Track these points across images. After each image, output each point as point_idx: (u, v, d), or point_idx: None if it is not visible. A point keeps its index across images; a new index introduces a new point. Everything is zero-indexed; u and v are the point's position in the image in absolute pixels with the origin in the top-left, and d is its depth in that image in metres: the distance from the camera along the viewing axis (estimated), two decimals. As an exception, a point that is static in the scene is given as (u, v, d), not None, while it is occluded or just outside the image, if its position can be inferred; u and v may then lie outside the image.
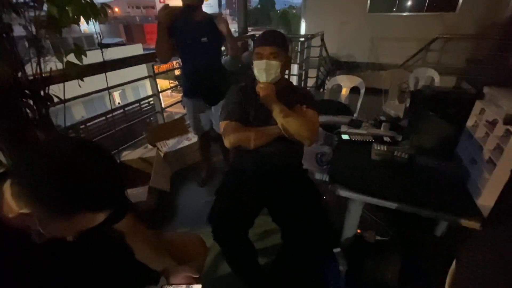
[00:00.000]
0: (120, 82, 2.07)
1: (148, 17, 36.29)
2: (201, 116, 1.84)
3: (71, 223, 0.48)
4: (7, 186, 0.50)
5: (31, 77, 1.20)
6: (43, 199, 0.44)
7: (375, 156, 1.19)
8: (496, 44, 4.22)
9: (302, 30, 5.74)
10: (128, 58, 1.95)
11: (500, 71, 3.63)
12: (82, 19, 1.15)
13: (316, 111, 1.15)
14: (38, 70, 1.21)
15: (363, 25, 5.13)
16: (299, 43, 3.89)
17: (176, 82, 3.26)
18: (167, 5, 1.49)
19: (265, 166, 1.18)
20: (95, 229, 0.58)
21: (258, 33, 1.23)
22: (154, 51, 2.03)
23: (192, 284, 0.78)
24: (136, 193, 1.70)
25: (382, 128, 1.46)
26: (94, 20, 1.18)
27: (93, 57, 1.40)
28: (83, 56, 1.23)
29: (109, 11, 1.19)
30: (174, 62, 2.71)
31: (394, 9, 5.06)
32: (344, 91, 2.60)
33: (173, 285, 0.79)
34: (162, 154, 2.15)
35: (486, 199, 0.83)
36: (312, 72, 4.49)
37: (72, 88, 1.41)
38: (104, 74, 1.60)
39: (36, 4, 1.11)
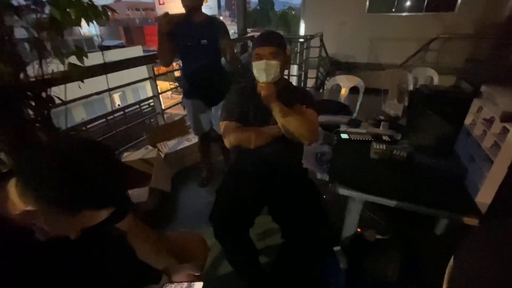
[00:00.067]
0: (120, 84, 2.08)
1: (148, 19, 36.40)
2: (201, 116, 1.85)
3: (75, 220, 0.49)
4: (11, 185, 0.51)
5: (33, 79, 1.21)
6: (48, 196, 0.45)
7: (374, 154, 1.20)
8: (495, 43, 4.23)
9: (302, 31, 5.76)
10: (129, 59, 1.97)
11: (499, 71, 3.64)
12: (82, 21, 1.17)
13: (315, 111, 1.16)
14: (40, 72, 1.23)
15: (362, 25, 5.15)
16: (298, 44, 3.90)
17: (176, 84, 3.27)
18: (167, 13, 1.50)
19: (265, 165, 1.19)
20: (97, 227, 0.59)
21: (257, 34, 1.24)
22: (154, 52, 2.05)
23: (193, 282, 0.79)
24: (137, 194, 1.71)
25: (381, 127, 1.47)
26: (95, 22, 1.20)
27: (93, 59, 1.41)
28: (84, 58, 1.24)
29: (112, 14, 1.20)
30: (174, 64, 2.72)
31: (393, 9, 5.08)
32: (344, 91, 2.62)
33: (175, 283, 0.79)
34: (162, 155, 2.16)
35: (484, 196, 0.84)
36: (312, 73, 4.51)
37: (73, 90, 1.42)
38: (103, 76, 1.61)
39: (38, 7, 1.12)
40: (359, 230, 1.33)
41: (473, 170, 0.96)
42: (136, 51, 13.08)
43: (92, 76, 1.55)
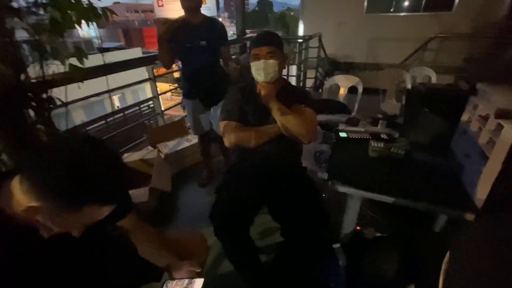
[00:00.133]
0: (119, 86, 2.10)
1: (147, 21, 36.45)
2: (201, 117, 1.87)
3: (78, 216, 0.50)
4: (15, 183, 0.52)
5: (34, 80, 1.22)
6: (52, 191, 0.46)
7: (372, 152, 1.21)
8: (492, 42, 4.25)
9: (301, 32, 5.79)
10: (129, 60, 1.99)
11: (497, 69, 3.66)
12: (82, 23, 1.18)
13: (314, 110, 1.18)
14: (41, 73, 1.24)
15: (360, 25, 5.18)
16: (297, 44, 3.93)
17: (176, 85, 3.29)
18: (166, 19, 1.51)
19: (264, 164, 1.20)
20: (99, 226, 0.60)
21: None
22: (153, 54, 2.06)
23: (194, 278, 0.80)
24: (138, 194, 1.71)
25: (379, 126, 1.48)
26: (94, 24, 1.21)
27: (92, 61, 1.43)
28: (84, 59, 1.26)
29: (111, 16, 1.22)
30: (174, 65, 2.74)
31: (392, 9, 5.11)
32: (342, 91, 2.63)
33: (176, 280, 0.81)
34: (162, 156, 2.17)
35: (480, 192, 0.85)
36: (311, 73, 4.53)
37: (72, 92, 1.43)
38: (103, 79, 1.63)
39: (38, 9, 1.13)
40: (358, 228, 1.34)
41: (469, 167, 0.97)
42: (135, 53, 13.09)
43: (93, 77, 1.57)
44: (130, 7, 40.81)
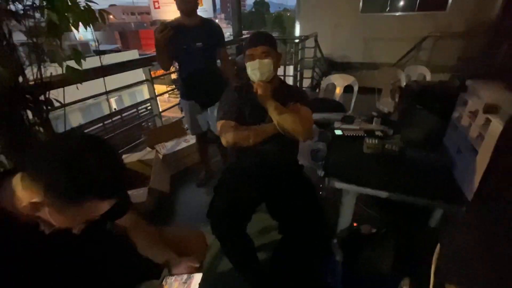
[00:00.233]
0: (116, 88, 2.11)
1: (143, 23, 36.42)
2: (198, 117, 1.88)
3: (79, 211, 0.52)
4: (16, 180, 0.53)
5: (32, 82, 1.23)
6: (53, 186, 0.48)
7: (367, 149, 1.23)
8: (486, 41, 4.31)
9: (297, 32, 5.82)
10: (127, 62, 2.00)
11: (490, 68, 3.71)
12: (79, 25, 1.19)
13: (309, 108, 1.20)
14: (38, 75, 1.25)
15: (356, 25, 5.22)
16: (294, 44, 3.96)
17: (173, 86, 3.30)
18: (163, 26, 1.51)
19: (261, 162, 1.22)
20: (99, 223, 0.61)
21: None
22: (150, 55, 2.07)
23: (193, 273, 0.81)
24: (136, 194, 1.72)
25: (373, 123, 1.50)
26: (91, 26, 1.23)
27: (89, 64, 1.43)
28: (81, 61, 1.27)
29: (111, 17, 1.23)
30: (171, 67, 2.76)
31: (388, 9, 5.16)
32: (338, 90, 2.66)
33: (175, 276, 0.82)
34: (161, 156, 2.18)
35: (471, 185, 0.88)
36: (308, 73, 4.56)
37: (70, 95, 1.44)
38: (100, 82, 1.64)
39: (36, 11, 1.15)
40: (355, 224, 1.36)
41: (460, 161, 1.00)
42: (132, 55, 13.07)
43: (90, 79, 1.58)
44: (127, 9, 40.74)
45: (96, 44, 1.59)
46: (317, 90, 4.58)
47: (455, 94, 1.12)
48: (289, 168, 1.28)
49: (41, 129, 1.29)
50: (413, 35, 4.77)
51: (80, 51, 1.24)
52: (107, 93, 1.81)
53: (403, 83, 2.76)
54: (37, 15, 1.17)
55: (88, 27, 1.20)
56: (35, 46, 1.19)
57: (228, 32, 4.34)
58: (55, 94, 1.33)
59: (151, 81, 2.40)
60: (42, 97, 1.28)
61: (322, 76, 4.94)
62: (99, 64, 1.61)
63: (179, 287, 0.78)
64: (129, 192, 1.79)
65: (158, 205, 1.85)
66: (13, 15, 1.13)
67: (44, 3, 1.12)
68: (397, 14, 5.10)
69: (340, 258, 1.21)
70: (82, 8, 1.13)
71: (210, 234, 1.09)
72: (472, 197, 0.85)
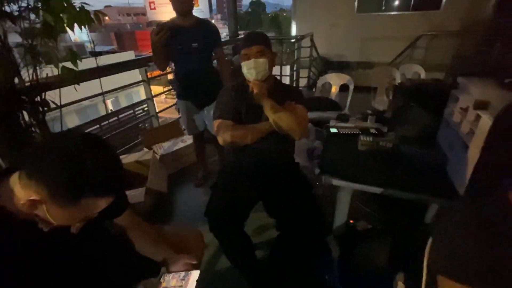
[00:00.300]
0: (113, 89, 2.11)
1: (139, 24, 36.27)
2: (195, 117, 1.89)
3: (77, 208, 0.52)
4: (14, 179, 0.54)
5: (28, 83, 1.23)
6: (51, 183, 0.48)
7: (362, 146, 1.25)
8: (480, 40, 4.36)
9: (293, 32, 5.85)
10: (123, 62, 2.00)
11: (484, 66, 3.76)
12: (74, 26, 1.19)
13: (304, 107, 1.21)
14: (34, 77, 1.25)
15: (352, 25, 5.26)
16: (290, 44, 3.97)
17: (170, 87, 3.31)
18: (159, 28, 1.51)
19: (258, 161, 1.23)
20: (97, 222, 0.61)
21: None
22: (146, 56, 2.07)
23: (190, 270, 0.82)
24: (134, 195, 1.73)
25: (368, 121, 1.52)
26: (87, 28, 1.23)
27: (85, 65, 1.43)
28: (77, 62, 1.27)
29: (106, 18, 1.23)
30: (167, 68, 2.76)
31: (384, 8, 5.20)
32: (334, 89, 2.68)
33: (173, 273, 0.83)
34: (158, 157, 2.18)
35: (462, 180, 0.90)
36: (304, 73, 4.58)
37: (66, 96, 1.44)
38: (96, 84, 1.64)
39: (31, 13, 1.15)
40: (351, 221, 1.38)
41: (452, 157, 1.02)
42: (128, 56, 13.02)
43: (86, 80, 1.58)
44: (122, 10, 40.52)
45: (92, 45, 1.60)
46: (314, 90, 4.62)
47: (447, 91, 1.14)
48: (285, 166, 1.29)
49: (37, 130, 1.29)
50: (408, 34, 4.81)
51: (76, 52, 1.24)
52: (103, 94, 1.81)
53: (398, 82, 2.79)
54: (32, 16, 1.17)
55: (83, 28, 1.21)
56: (31, 48, 1.19)
57: (224, 33, 4.36)
58: (52, 96, 1.33)
59: (147, 81, 2.40)
60: (38, 98, 1.28)
61: (319, 76, 4.96)
62: (95, 66, 1.61)
63: (177, 284, 0.79)
64: (127, 193, 1.80)
65: (156, 205, 1.85)
66: (8, 16, 1.13)
67: (40, 5, 1.12)
68: (392, 13, 5.14)
69: (337, 254, 1.23)
70: (77, 9, 1.13)
71: (208, 233, 1.10)
72: (464, 192, 0.87)
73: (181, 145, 2.35)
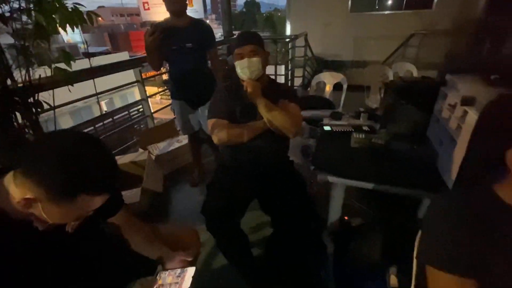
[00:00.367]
0: (107, 90, 2.10)
1: (133, 24, 35.97)
2: (190, 117, 1.89)
3: (72, 206, 0.53)
4: (9, 178, 0.54)
5: (20, 85, 1.23)
6: (46, 181, 0.49)
7: (355, 143, 1.27)
8: (471, 38, 4.43)
9: (288, 32, 5.88)
10: (117, 63, 1.99)
11: (475, 64, 3.82)
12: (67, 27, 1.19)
13: (298, 105, 1.23)
14: (27, 78, 1.25)
15: (345, 24, 5.30)
16: (284, 44, 3.99)
17: (165, 87, 3.30)
18: (153, 28, 1.51)
19: (252, 159, 1.24)
20: (93, 221, 0.62)
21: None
22: (140, 56, 2.07)
23: (186, 267, 0.83)
24: (130, 195, 1.72)
25: (361, 119, 1.55)
26: (80, 29, 1.23)
27: (78, 66, 1.42)
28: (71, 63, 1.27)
29: (99, 19, 1.23)
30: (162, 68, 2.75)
31: (377, 7, 5.26)
32: (328, 88, 2.71)
33: (169, 271, 0.84)
34: (153, 157, 2.18)
35: (451, 174, 0.92)
36: (299, 72, 4.60)
37: (59, 98, 1.44)
38: (90, 86, 1.63)
39: (23, 13, 1.14)
40: (346, 218, 1.40)
41: (442, 152, 1.05)
42: (122, 57, 12.89)
43: (80, 80, 1.57)
44: (116, 11, 40.12)
45: (85, 46, 1.59)
46: (308, 88, 4.64)
47: (436, 88, 1.17)
48: (280, 164, 1.30)
49: (31, 131, 1.29)
50: (400, 33, 4.87)
51: (69, 52, 1.23)
52: (97, 95, 1.80)
53: (390, 80, 2.82)
54: (24, 17, 1.17)
55: (76, 29, 1.20)
56: (23, 49, 1.19)
57: (219, 33, 4.36)
58: (46, 97, 1.33)
59: (142, 82, 2.40)
60: (31, 99, 1.27)
61: (313, 75, 4.99)
62: (88, 67, 1.61)
63: (173, 281, 0.80)
64: (122, 193, 1.80)
65: (152, 205, 1.86)
66: (0, 17, 1.12)
67: (31, 6, 1.12)
68: (386, 12, 5.20)
69: (331, 249, 1.25)
70: (70, 9, 1.13)
71: (205, 232, 1.11)
72: (452, 186, 0.89)
73: (176, 145, 2.35)
